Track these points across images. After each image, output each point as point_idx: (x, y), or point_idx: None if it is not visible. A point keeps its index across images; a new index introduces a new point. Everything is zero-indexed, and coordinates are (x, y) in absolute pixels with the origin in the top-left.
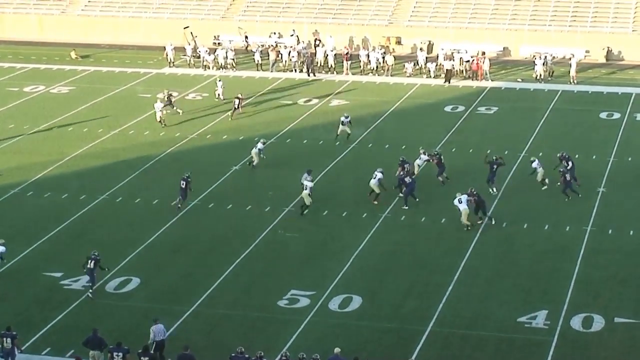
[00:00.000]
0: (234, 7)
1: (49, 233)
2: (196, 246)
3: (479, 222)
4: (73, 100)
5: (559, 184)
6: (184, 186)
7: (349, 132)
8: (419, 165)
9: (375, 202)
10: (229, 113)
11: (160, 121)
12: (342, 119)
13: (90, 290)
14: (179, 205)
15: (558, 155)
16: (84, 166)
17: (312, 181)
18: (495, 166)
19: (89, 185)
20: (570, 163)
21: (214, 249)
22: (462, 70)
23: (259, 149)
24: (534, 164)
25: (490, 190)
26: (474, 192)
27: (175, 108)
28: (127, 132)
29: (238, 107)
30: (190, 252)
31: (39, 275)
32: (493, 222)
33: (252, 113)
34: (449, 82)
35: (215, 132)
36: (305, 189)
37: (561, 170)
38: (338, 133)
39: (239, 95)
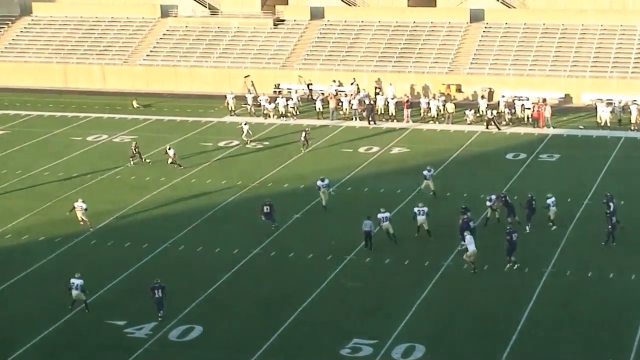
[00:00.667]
0: (294, 55)
1: (112, 281)
2: (258, 295)
3: (509, 264)
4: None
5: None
6: (268, 211)
7: (433, 188)
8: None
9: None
10: (302, 148)
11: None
12: (425, 173)
13: (160, 315)
14: (275, 225)
15: (604, 200)
16: (147, 215)
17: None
18: (533, 202)
19: (151, 233)
20: (612, 205)
21: (276, 297)
22: (524, 118)
23: (325, 185)
24: (549, 201)
25: (527, 227)
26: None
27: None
28: (189, 181)
29: (306, 141)
30: (252, 300)
31: (102, 323)
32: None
33: (313, 161)
34: (496, 128)
35: (277, 180)
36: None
37: (607, 213)
38: (422, 188)
39: (307, 130)
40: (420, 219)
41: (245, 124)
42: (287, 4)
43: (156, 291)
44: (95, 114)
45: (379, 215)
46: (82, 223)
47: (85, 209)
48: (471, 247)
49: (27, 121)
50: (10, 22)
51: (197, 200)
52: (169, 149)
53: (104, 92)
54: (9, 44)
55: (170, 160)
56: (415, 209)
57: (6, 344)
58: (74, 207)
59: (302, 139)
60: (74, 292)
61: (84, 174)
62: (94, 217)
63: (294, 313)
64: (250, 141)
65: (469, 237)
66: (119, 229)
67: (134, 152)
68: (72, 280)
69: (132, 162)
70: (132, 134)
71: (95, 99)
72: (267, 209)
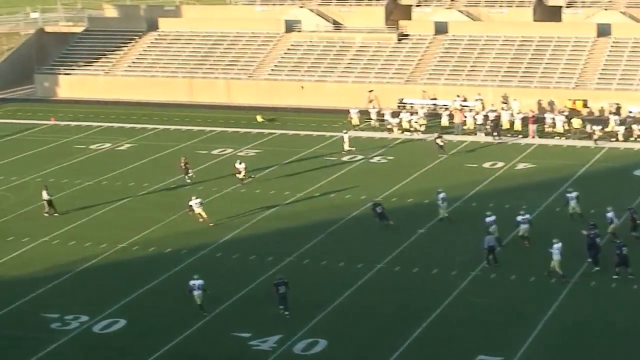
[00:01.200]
0: (418, 70)
1: (237, 294)
2: (382, 309)
3: (617, 276)
4: (260, 162)
5: None
6: (381, 211)
7: (580, 211)
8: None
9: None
10: (440, 154)
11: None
12: (568, 195)
13: (287, 313)
14: (390, 223)
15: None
16: (273, 228)
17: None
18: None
19: (275, 246)
20: None
21: (400, 312)
22: None
23: (441, 198)
24: (609, 215)
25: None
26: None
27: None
28: (313, 194)
29: (441, 146)
30: (377, 315)
31: (228, 335)
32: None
33: (437, 176)
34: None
35: (401, 195)
36: None
37: None
38: (570, 212)
39: (440, 135)
40: (523, 227)
41: (346, 133)
42: (411, 19)
43: (279, 287)
44: (220, 127)
45: (518, 218)
46: (201, 221)
47: (201, 203)
48: (556, 257)
49: (154, 135)
50: (137, 38)
51: (321, 214)
52: (240, 163)
53: (229, 106)
54: (137, 58)
55: (240, 175)
56: (518, 218)
57: (134, 356)
58: (191, 207)
59: (437, 143)
60: (196, 293)
61: (209, 187)
62: (221, 229)
63: (418, 329)
64: (348, 151)
65: (557, 246)
66: (244, 242)
67: (184, 166)
68: (192, 282)
69: (187, 178)
70: (257, 148)
71: (220, 113)
72: (379, 209)
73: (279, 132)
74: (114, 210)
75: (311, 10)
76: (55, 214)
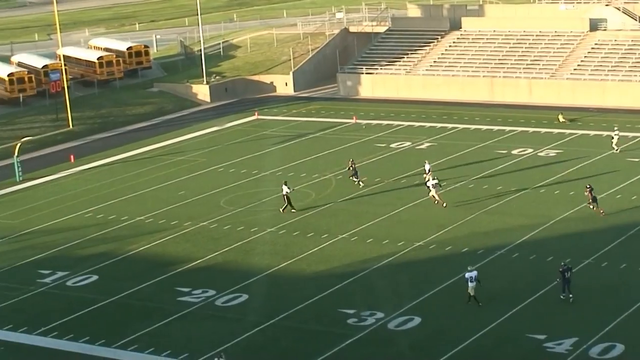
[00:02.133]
0: None
1: (533, 295)
2: None
3: None
4: (559, 163)
5: None
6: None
7: None
8: None
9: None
10: None
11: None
12: None
13: (571, 296)
14: None
15: None
16: (570, 229)
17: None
18: None
19: (572, 248)
20: None
21: None
22: None
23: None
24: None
25: None
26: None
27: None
28: (613, 197)
29: None
30: None
31: (522, 336)
32: None
33: None
34: None
35: None
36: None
37: None
38: None
39: None
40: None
41: (616, 131)
42: None
43: (565, 273)
44: (520, 127)
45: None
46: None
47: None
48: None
49: (453, 134)
50: (439, 37)
51: (620, 217)
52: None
53: (530, 105)
54: (438, 58)
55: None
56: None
57: (427, 354)
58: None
59: None
60: (470, 285)
61: (511, 188)
62: (518, 229)
63: None
64: (620, 150)
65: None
66: (541, 243)
67: (351, 168)
68: (467, 275)
69: (356, 181)
70: (557, 149)
71: (521, 113)
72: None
73: (580, 132)
74: (413, 208)
75: (617, 9)
76: (293, 210)
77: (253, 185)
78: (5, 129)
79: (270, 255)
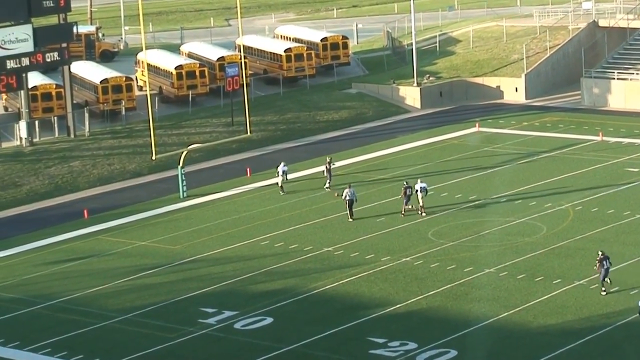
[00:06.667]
0: None
1: None
2: None
3: None
4: None
5: None
6: None
7: None
8: None
9: None
10: None
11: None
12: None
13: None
14: None
15: None
16: None
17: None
18: None
19: None
20: None
21: None
22: None
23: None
24: None
25: None
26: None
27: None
28: None
29: None
30: None
31: None
32: None
33: None
34: None
35: None
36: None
37: None
38: None
39: None
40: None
41: None
42: None
43: (604, 262)
44: None
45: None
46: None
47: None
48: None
49: None
50: None
51: None
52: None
53: None
54: None
55: None
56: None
57: None
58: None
59: None
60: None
61: None
62: None
63: None
64: None
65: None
66: None
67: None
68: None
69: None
70: None
71: None
72: None
73: None
74: None
75: None
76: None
77: (469, 213)
78: (170, 133)
79: (487, 302)
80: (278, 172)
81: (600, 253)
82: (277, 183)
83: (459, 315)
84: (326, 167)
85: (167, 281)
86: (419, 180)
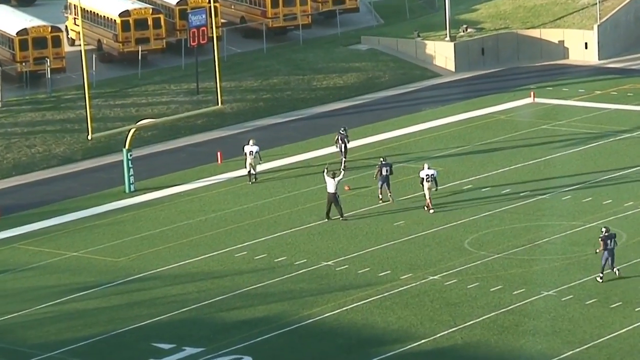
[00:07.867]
0: None
1: None
2: None
3: None
4: None
5: None
6: None
7: None
8: None
9: None
10: None
11: None
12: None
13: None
14: None
15: None
16: None
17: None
18: None
19: None
20: None
21: None
22: None
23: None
24: None
25: None
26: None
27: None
28: None
29: None
30: None
31: None
32: None
33: None
34: None
35: None
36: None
37: None
38: None
39: None
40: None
41: None
42: None
43: (609, 241)
44: None
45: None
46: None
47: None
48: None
49: None
50: None
51: None
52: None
53: None
54: None
55: None
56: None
57: None
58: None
59: None
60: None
61: None
62: None
63: None
64: None
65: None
66: None
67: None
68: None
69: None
70: None
71: None
72: None
73: None
74: None
75: None
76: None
77: (521, 216)
78: (113, 104)
79: (546, 337)
80: (245, 154)
81: (603, 230)
82: (246, 168)
83: (506, 353)
84: (339, 139)
85: (108, 306)
86: (425, 166)
